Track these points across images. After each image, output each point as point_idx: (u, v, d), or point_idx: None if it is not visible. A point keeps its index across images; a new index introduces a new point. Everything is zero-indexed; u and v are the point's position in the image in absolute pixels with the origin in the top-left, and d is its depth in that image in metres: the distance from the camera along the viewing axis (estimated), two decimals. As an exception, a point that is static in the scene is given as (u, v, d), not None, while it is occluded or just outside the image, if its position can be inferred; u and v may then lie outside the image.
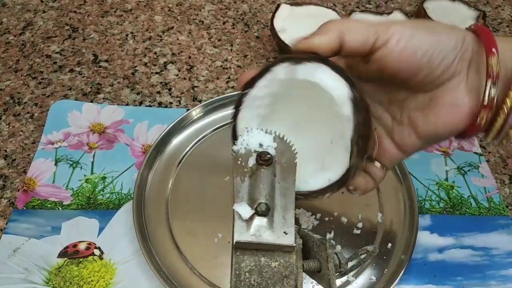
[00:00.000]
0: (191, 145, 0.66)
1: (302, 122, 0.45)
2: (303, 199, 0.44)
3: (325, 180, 0.42)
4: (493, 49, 0.38)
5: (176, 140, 0.66)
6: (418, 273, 0.56)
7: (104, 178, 0.63)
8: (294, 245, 0.37)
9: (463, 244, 0.59)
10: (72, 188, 0.61)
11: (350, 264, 0.41)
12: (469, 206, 0.63)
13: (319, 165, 0.43)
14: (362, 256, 0.42)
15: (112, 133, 0.68)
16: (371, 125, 0.42)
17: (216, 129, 0.68)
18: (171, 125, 0.66)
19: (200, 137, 0.67)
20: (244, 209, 0.38)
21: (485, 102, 0.39)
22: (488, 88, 0.38)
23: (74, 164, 0.64)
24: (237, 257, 0.37)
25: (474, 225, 0.61)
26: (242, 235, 0.38)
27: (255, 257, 0.37)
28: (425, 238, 0.59)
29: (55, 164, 0.64)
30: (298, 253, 0.39)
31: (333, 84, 0.40)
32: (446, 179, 0.66)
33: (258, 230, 0.38)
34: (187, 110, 0.68)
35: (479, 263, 0.57)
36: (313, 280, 0.47)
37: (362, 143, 0.40)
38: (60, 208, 0.59)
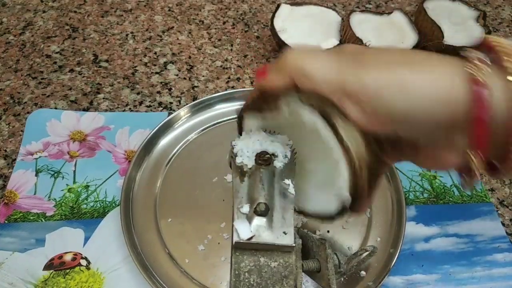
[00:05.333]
0: (178, 146, 0.65)
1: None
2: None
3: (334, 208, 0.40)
4: (481, 147, 0.32)
5: (163, 142, 0.66)
6: (406, 264, 0.56)
7: (87, 186, 0.62)
8: (294, 245, 0.37)
9: (448, 232, 0.60)
10: (55, 199, 0.60)
11: (349, 264, 0.41)
12: (452, 195, 0.64)
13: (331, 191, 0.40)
14: (362, 256, 0.42)
15: (93, 141, 0.67)
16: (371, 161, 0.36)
17: (204, 129, 0.68)
18: (157, 128, 0.65)
19: (188, 138, 0.67)
20: (243, 228, 0.38)
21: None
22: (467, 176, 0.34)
23: (56, 174, 0.63)
24: (237, 257, 0.37)
25: (457, 213, 0.62)
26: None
27: (254, 257, 0.37)
28: (411, 229, 0.60)
29: (36, 175, 0.62)
30: (298, 253, 0.39)
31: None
32: (429, 170, 0.66)
33: (258, 230, 0.38)
34: (169, 114, 0.68)
35: (465, 250, 0.58)
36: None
37: (358, 196, 0.37)
38: (43, 220, 0.58)
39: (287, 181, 0.40)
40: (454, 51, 0.33)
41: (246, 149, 0.41)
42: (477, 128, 0.31)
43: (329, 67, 0.34)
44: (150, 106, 0.72)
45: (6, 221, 0.58)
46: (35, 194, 0.61)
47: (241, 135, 0.43)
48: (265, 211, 0.38)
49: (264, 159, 0.40)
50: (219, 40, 0.84)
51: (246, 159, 0.40)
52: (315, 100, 0.34)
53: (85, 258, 0.55)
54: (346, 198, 0.37)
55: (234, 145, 0.41)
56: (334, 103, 0.33)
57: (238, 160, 0.40)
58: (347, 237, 0.57)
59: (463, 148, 0.33)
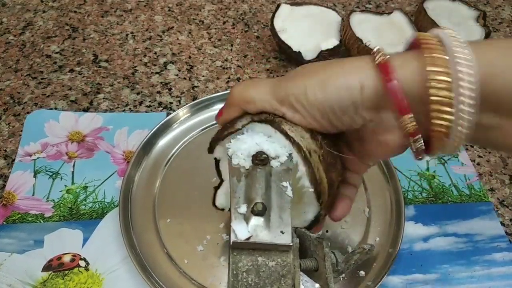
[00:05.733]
0: (177, 147, 0.65)
1: None
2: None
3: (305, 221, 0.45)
4: (402, 110, 0.36)
5: (162, 142, 0.66)
6: (405, 263, 0.56)
7: (85, 187, 0.62)
8: (291, 244, 0.37)
9: (447, 232, 0.60)
10: (53, 200, 0.60)
11: (347, 262, 0.41)
12: (451, 195, 0.64)
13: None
14: (359, 255, 0.42)
15: (91, 141, 0.67)
16: (326, 160, 0.42)
17: (203, 130, 0.68)
18: (155, 128, 0.65)
19: (187, 138, 0.67)
20: (241, 228, 0.38)
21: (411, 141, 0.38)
22: (412, 143, 0.38)
23: (54, 175, 0.63)
24: (234, 257, 0.37)
25: (456, 212, 0.62)
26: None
27: (252, 257, 0.37)
28: (410, 228, 0.60)
29: (34, 176, 0.62)
30: (295, 252, 0.39)
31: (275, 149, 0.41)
32: (427, 169, 0.67)
33: (255, 230, 0.38)
34: (167, 114, 0.68)
35: (463, 250, 0.58)
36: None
37: (321, 188, 0.41)
38: (42, 221, 0.58)
39: (285, 184, 0.40)
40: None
41: (241, 151, 0.41)
42: (392, 95, 0.36)
43: (264, 89, 0.41)
44: (150, 106, 0.72)
45: (4, 222, 0.58)
46: (33, 195, 0.61)
47: (221, 178, 0.49)
48: (263, 211, 0.38)
49: (260, 159, 0.40)
50: (219, 40, 0.84)
51: (242, 161, 0.40)
52: (263, 115, 0.41)
53: (84, 259, 0.55)
54: (311, 195, 0.41)
55: (228, 148, 0.41)
56: (277, 114, 0.40)
57: (235, 161, 0.40)
58: (346, 237, 0.57)
59: (394, 123, 0.37)
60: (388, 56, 0.37)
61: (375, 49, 0.38)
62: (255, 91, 0.42)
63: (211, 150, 0.46)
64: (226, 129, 0.43)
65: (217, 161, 0.48)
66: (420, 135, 0.37)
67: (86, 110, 0.71)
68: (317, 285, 0.51)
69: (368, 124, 0.39)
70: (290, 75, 0.42)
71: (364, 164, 0.46)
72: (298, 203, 0.43)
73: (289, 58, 0.79)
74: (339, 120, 0.39)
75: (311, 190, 0.41)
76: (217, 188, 0.51)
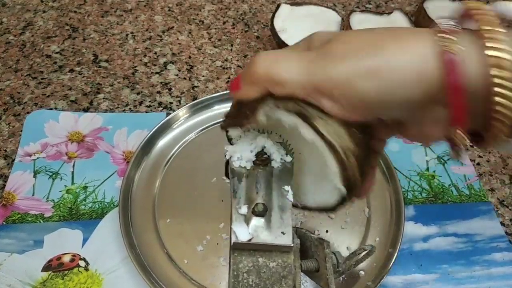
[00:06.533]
0: (177, 147, 0.65)
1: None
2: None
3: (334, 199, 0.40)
4: (461, 122, 0.32)
5: (161, 142, 0.65)
6: (405, 263, 0.56)
7: (85, 187, 0.62)
8: (292, 245, 0.37)
9: (446, 232, 0.60)
10: (53, 200, 0.60)
11: (348, 263, 0.41)
12: (451, 195, 0.64)
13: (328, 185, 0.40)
14: (360, 256, 0.42)
15: (91, 141, 0.67)
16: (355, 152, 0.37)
17: (203, 130, 0.68)
18: (155, 128, 0.65)
19: (186, 138, 0.66)
20: (241, 231, 0.38)
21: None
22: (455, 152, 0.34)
23: (54, 175, 0.63)
24: (235, 257, 0.37)
25: (456, 212, 0.62)
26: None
27: (253, 257, 0.37)
28: (410, 228, 0.60)
29: (34, 176, 0.62)
30: (296, 253, 0.39)
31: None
32: (427, 169, 0.67)
33: (256, 231, 0.38)
34: (167, 114, 0.68)
35: (463, 250, 0.58)
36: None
37: (353, 186, 0.37)
38: (42, 221, 0.58)
39: (287, 188, 0.40)
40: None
41: (240, 153, 0.41)
42: (452, 96, 0.30)
43: (298, 69, 0.34)
44: (150, 106, 0.72)
45: (4, 223, 0.58)
46: (33, 195, 0.60)
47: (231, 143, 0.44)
48: (263, 212, 0.38)
49: (262, 159, 0.40)
50: (219, 40, 0.84)
51: (244, 163, 0.40)
52: (292, 104, 0.34)
53: (84, 259, 0.55)
54: (342, 189, 0.37)
55: (226, 151, 0.41)
56: (310, 102, 0.34)
57: (236, 164, 0.40)
58: (346, 237, 0.57)
59: (444, 121, 0.32)
60: (455, 45, 0.30)
61: (440, 34, 0.31)
62: (285, 70, 0.34)
63: (225, 130, 0.42)
64: (245, 117, 0.38)
65: (229, 139, 0.45)
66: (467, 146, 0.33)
67: (86, 110, 0.71)
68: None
69: (415, 116, 0.34)
70: (332, 47, 0.33)
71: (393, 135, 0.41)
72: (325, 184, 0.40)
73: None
74: (386, 114, 0.35)
75: (342, 188, 0.37)
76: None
